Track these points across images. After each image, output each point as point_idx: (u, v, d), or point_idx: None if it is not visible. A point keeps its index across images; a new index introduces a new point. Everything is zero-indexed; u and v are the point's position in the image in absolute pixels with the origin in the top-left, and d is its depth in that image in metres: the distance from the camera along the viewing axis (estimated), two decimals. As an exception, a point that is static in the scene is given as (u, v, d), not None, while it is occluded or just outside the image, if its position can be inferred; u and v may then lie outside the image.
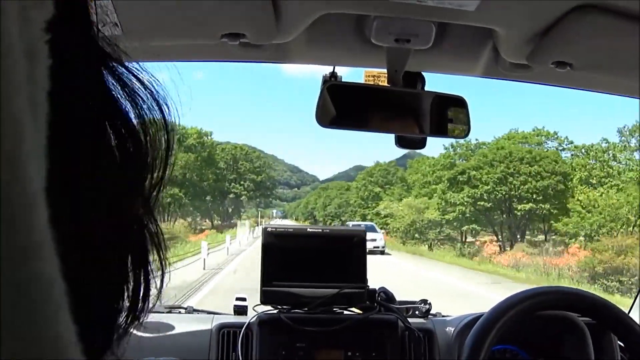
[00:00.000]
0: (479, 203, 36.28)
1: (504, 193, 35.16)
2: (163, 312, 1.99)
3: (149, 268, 0.41)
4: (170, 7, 1.20)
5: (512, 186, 34.83)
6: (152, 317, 1.86)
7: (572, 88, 1.66)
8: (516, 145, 38.31)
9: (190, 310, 2.06)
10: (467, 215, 37.23)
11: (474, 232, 39.58)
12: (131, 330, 0.41)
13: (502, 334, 1.60)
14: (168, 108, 0.40)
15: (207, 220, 61.98)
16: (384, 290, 1.94)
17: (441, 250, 36.20)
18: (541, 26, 1.24)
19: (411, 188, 49.62)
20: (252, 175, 70.55)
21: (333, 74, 1.50)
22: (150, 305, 0.42)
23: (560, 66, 1.40)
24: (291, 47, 1.45)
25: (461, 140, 38.53)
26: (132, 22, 1.21)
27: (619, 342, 1.81)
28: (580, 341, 1.78)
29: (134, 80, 0.38)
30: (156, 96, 0.39)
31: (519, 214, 35.32)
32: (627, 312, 1.86)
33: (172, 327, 1.83)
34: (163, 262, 0.42)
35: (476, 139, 42.57)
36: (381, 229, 40.32)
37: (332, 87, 1.49)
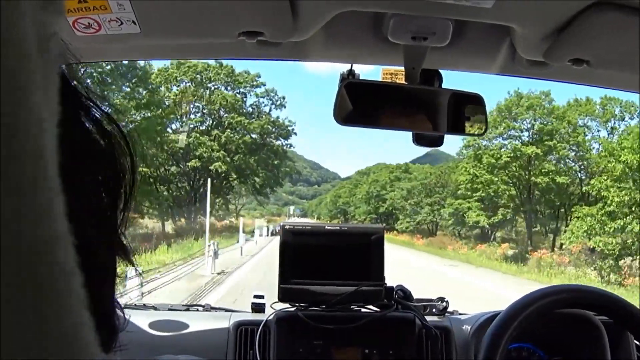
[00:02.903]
0: None
1: None
2: (181, 310, 2.01)
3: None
4: (188, 6, 1.21)
5: None
6: (168, 316, 1.88)
7: (590, 85, 1.65)
8: None
9: (208, 308, 2.07)
10: None
11: None
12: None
13: (519, 332, 1.59)
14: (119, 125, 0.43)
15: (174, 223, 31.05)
16: (401, 288, 1.93)
17: None
18: (558, 23, 1.24)
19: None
20: (239, 117, 33.36)
21: (351, 72, 1.51)
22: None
23: (577, 63, 1.39)
24: (309, 45, 1.45)
25: None
26: (150, 21, 1.23)
27: (635, 341, 1.80)
28: (597, 340, 1.77)
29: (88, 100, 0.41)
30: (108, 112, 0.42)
31: None
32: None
33: (187, 326, 1.84)
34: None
35: None
36: None
37: (349, 84, 1.50)
